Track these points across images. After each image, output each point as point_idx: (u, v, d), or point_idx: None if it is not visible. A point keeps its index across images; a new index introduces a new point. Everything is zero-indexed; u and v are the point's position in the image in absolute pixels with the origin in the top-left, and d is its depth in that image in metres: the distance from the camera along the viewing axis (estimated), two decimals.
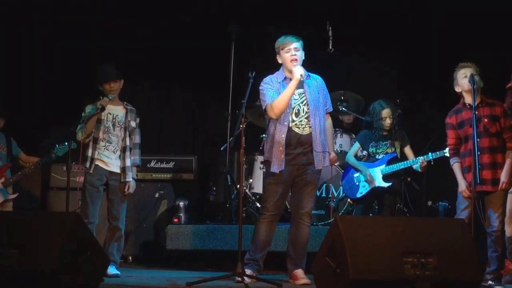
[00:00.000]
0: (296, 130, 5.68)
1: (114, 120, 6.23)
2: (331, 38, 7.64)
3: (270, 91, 5.70)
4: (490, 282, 5.41)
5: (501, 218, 5.47)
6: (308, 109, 5.70)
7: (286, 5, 8.10)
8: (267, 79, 5.82)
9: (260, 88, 5.76)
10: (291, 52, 5.68)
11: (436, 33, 8.00)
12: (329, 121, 5.95)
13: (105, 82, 6.18)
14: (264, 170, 6.10)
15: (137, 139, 6.34)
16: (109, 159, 6.17)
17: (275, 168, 5.64)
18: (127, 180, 6.19)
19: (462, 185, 5.57)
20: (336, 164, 7.23)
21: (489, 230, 5.48)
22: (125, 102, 6.34)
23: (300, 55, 5.71)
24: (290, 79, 5.64)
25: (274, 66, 5.87)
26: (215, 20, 8.02)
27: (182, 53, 8.51)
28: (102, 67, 6.29)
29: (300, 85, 5.70)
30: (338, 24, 7.74)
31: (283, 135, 5.63)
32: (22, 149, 7.17)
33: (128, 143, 6.24)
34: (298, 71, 5.58)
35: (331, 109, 5.95)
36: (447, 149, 5.93)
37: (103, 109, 6.09)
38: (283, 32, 5.81)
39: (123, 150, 6.22)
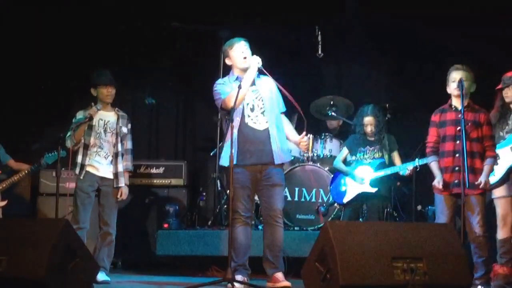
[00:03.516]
0: (252, 125, 5.65)
1: (105, 126, 6.24)
2: (320, 43, 7.65)
3: (224, 87, 5.71)
4: (479, 287, 5.38)
5: (481, 223, 5.42)
6: (263, 104, 5.70)
7: (276, 10, 8.11)
8: (219, 80, 5.86)
9: (214, 88, 5.76)
10: (241, 49, 5.71)
11: (425, 38, 8.02)
12: (284, 119, 5.91)
13: (104, 85, 6.18)
14: None
15: (128, 144, 6.35)
16: (101, 165, 6.17)
17: (224, 161, 5.63)
18: (119, 185, 6.20)
19: (438, 177, 5.51)
20: (325, 169, 7.24)
21: (472, 237, 5.46)
22: (117, 108, 6.34)
23: (250, 53, 5.73)
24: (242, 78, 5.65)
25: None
26: (205, 26, 8.02)
27: (172, 58, 8.50)
28: (99, 71, 6.27)
29: (252, 82, 5.70)
30: (327, 29, 7.76)
31: (235, 130, 5.57)
32: (11, 155, 7.12)
33: (120, 148, 6.25)
34: (255, 59, 5.61)
35: (284, 109, 5.91)
36: None
37: (91, 118, 6.13)
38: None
39: (115, 155, 6.23)
